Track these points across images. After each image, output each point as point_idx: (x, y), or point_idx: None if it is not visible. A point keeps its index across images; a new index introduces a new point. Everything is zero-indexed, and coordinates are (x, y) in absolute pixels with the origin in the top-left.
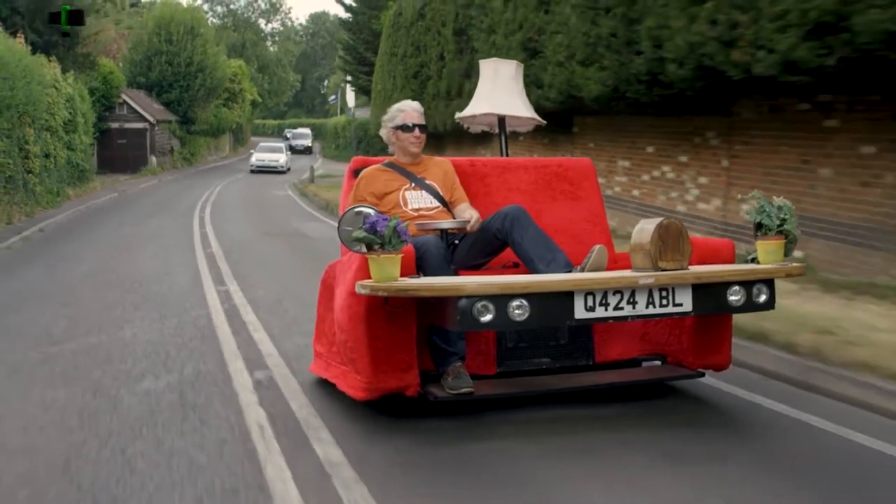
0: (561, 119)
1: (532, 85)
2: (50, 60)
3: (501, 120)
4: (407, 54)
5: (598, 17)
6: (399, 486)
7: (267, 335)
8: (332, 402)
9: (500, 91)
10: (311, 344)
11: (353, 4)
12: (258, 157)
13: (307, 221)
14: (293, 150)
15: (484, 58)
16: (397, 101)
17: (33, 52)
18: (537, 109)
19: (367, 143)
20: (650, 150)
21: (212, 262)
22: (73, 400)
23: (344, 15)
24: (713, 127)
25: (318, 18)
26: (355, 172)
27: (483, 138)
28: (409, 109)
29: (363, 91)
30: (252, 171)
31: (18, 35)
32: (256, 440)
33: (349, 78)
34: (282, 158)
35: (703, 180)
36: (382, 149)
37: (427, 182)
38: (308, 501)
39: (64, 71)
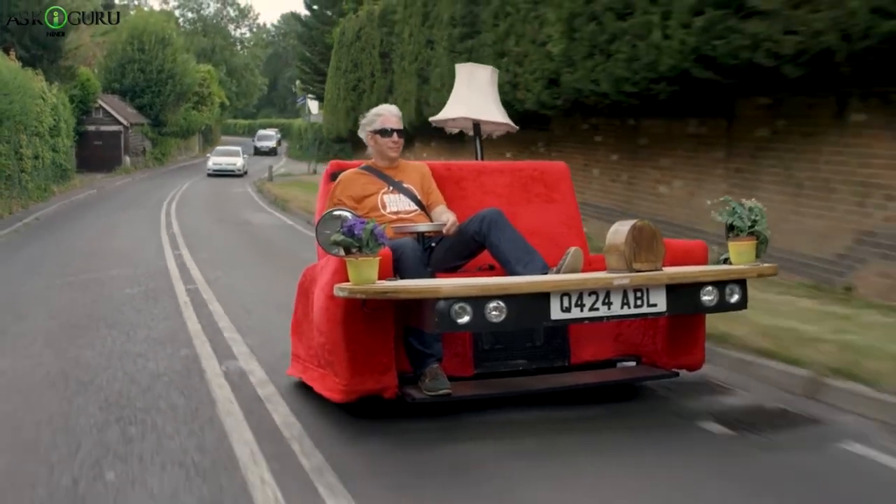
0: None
1: (423, 104)
2: (36, 73)
3: (476, 124)
4: (347, 69)
5: (456, 57)
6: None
7: (200, 273)
8: (229, 298)
9: (475, 95)
10: (224, 275)
11: (309, 18)
12: (215, 161)
13: (256, 212)
14: (258, 151)
15: (398, 78)
16: (342, 109)
17: (22, 66)
18: (426, 125)
19: (327, 145)
20: (509, 154)
21: (172, 239)
22: (87, 297)
23: (300, 29)
24: (541, 139)
25: (289, 19)
26: (332, 176)
27: (408, 144)
28: (387, 114)
29: (319, 98)
30: (209, 175)
31: (11, 52)
32: (183, 307)
33: (307, 87)
34: (238, 162)
35: None
36: (342, 149)
37: (405, 185)
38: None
39: (48, 82)
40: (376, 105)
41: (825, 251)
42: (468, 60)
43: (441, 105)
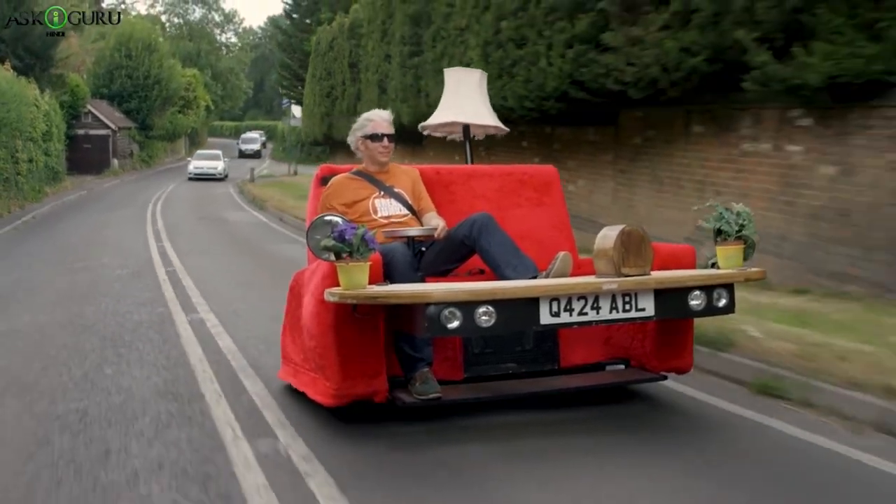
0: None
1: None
2: (29, 82)
3: (466, 128)
4: (322, 77)
5: (407, 71)
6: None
7: (178, 259)
8: (206, 284)
9: (464, 99)
10: (199, 261)
11: (289, 26)
12: (196, 165)
13: (234, 211)
14: (242, 154)
15: (364, 88)
16: (318, 114)
17: (16, 75)
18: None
19: (308, 148)
20: (457, 157)
21: (156, 233)
22: (85, 278)
23: (280, 37)
24: (482, 144)
25: (276, 21)
26: (323, 180)
27: None
28: (378, 119)
29: (300, 103)
30: (190, 179)
31: (6, 62)
32: (162, 283)
33: (287, 92)
34: (219, 165)
35: None
36: (324, 151)
37: (396, 190)
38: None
39: (40, 90)
40: (347, 111)
41: (677, 236)
42: (415, 77)
43: (396, 113)
